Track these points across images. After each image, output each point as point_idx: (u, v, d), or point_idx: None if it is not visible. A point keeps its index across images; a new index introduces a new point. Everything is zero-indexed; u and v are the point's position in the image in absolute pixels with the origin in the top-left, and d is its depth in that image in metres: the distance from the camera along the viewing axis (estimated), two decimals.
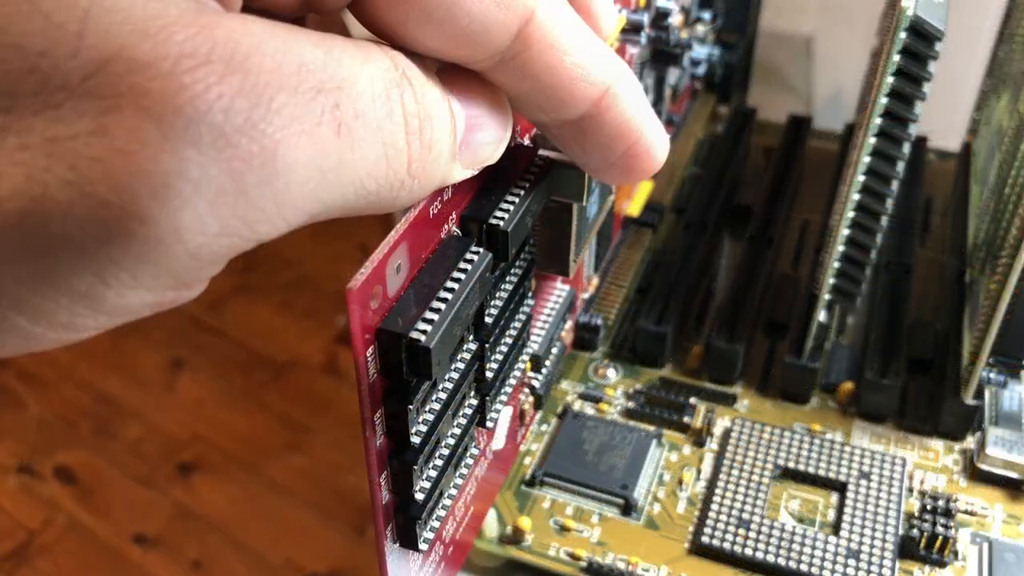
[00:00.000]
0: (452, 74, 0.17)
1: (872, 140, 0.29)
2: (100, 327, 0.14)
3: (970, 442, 0.32)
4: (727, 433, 0.32)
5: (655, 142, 0.20)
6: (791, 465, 0.31)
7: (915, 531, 0.29)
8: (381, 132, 0.15)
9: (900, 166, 0.29)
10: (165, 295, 0.14)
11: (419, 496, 0.21)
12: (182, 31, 0.12)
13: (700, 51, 0.44)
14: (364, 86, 0.15)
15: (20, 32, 0.12)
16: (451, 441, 0.22)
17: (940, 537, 0.28)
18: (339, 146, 0.14)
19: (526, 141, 0.24)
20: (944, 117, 0.51)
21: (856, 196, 0.30)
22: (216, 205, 0.13)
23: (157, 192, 0.12)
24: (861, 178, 0.30)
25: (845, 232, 0.31)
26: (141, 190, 0.12)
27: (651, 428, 0.33)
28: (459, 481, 0.23)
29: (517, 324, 0.25)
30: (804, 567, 0.28)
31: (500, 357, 0.24)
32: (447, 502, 0.23)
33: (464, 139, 0.18)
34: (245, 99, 0.13)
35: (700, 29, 0.43)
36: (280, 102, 0.13)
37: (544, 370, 0.30)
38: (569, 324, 0.34)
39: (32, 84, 0.12)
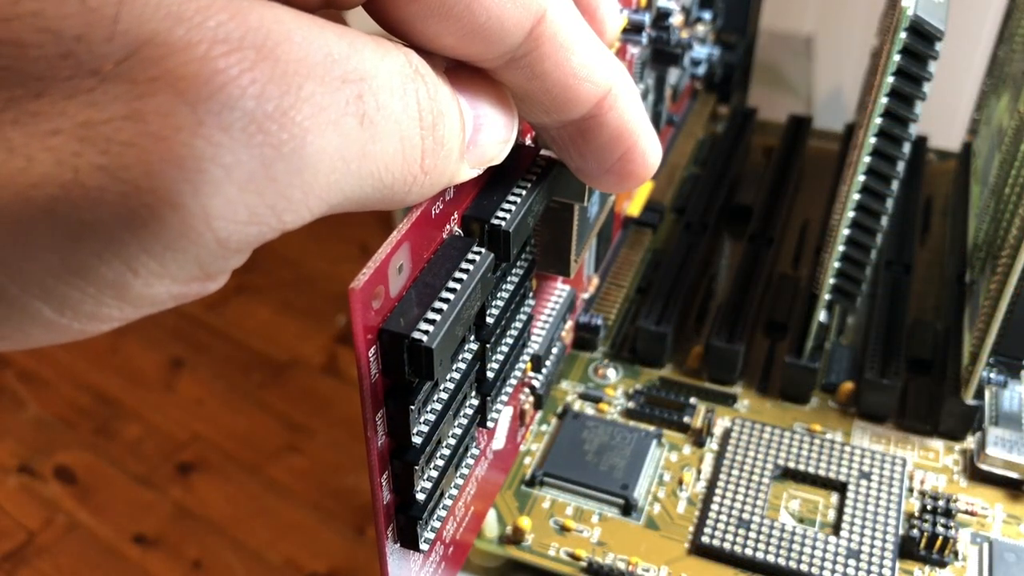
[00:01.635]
0: (460, 73, 0.17)
1: (872, 140, 0.29)
2: (124, 318, 0.14)
3: (970, 442, 0.32)
4: (727, 433, 0.32)
5: (650, 146, 0.20)
6: (791, 465, 0.31)
7: (915, 531, 0.29)
8: (399, 125, 0.15)
9: (900, 166, 0.29)
10: (190, 286, 0.14)
11: (420, 496, 0.21)
12: (215, 16, 0.12)
13: (700, 51, 0.44)
14: (384, 79, 0.15)
15: (55, 16, 0.12)
16: (452, 441, 0.22)
17: (940, 537, 0.28)
18: (362, 137, 0.14)
19: (528, 141, 0.24)
20: (944, 117, 0.51)
21: (856, 196, 0.30)
22: (246, 192, 0.13)
23: (190, 177, 0.12)
24: (861, 178, 0.30)
25: (845, 232, 0.31)
26: (174, 175, 0.12)
27: (651, 428, 0.33)
28: (460, 481, 0.23)
29: (518, 324, 0.25)
30: (804, 567, 0.28)
31: (501, 357, 0.24)
32: (448, 502, 0.23)
33: (472, 138, 0.18)
34: (276, 86, 0.13)
35: (700, 29, 0.44)
36: (308, 91, 0.13)
37: (544, 370, 0.30)
38: (569, 324, 0.34)
39: (66, 68, 0.12)
